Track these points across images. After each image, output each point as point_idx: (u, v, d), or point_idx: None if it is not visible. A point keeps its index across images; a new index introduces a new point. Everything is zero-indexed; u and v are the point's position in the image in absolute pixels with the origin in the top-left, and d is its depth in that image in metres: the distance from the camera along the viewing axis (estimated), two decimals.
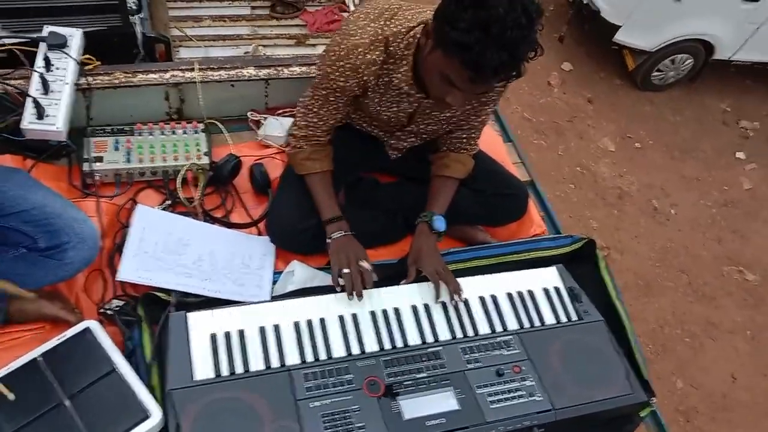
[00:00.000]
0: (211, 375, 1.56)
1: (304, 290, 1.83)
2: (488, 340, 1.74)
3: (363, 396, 1.57)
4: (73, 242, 1.64)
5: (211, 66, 2.21)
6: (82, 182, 2.01)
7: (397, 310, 1.77)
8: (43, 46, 2.02)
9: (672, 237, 4.39)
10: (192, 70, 2.17)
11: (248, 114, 2.33)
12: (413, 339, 1.72)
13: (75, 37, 2.07)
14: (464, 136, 1.98)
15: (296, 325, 1.69)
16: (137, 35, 2.24)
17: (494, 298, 1.84)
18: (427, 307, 1.79)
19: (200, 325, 1.63)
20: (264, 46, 2.65)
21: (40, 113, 1.89)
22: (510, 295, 1.86)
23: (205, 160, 2.09)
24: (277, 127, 2.27)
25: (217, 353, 1.59)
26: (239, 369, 1.58)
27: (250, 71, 2.25)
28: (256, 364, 1.60)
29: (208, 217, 2.04)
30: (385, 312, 1.76)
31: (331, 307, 1.75)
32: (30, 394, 1.50)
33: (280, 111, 2.34)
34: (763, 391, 3.74)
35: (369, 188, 2.15)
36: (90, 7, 2.18)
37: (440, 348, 1.70)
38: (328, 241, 1.85)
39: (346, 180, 2.07)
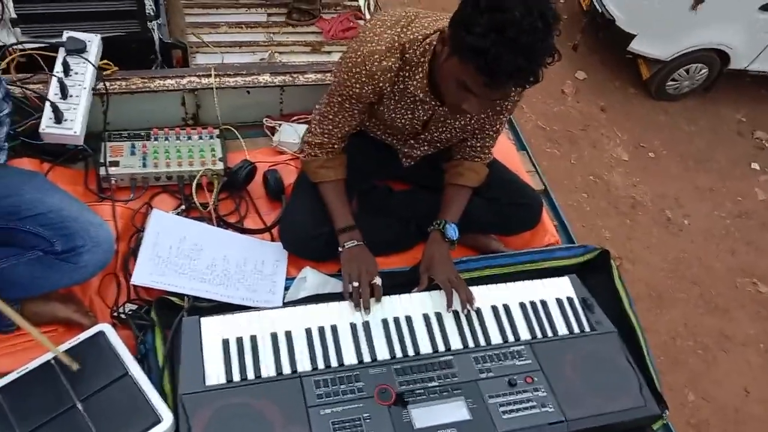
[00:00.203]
0: (223, 380, 1.56)
1: (316, 297, 1.83)
2: (500, 350, 1.73)
3: (374, 404, 1.57)
4: (88, 246, 1.65)
5: (228, 72, 2.23)
6: (98, 186, 2.03)
7: (408, 319, 1.77)
8: (62, 51, 2.05)
9: (685, 248, 4.36)
10: (209, 76, 2.18)
11: (263, 120, 2.34)
12: (425, 347, 1.72)
13: (93, 42, 2.10)
14: (478, 144, 1.98)
15: (308, 331, 1.69)
16: (155, 41, 2.26)
17: (507, 308, 1.84)
18: (438, 315, 1.79)
19: (213, 330, 1.64)
20: (280, 53, 2.66)
21: (58, 117, 1.92)
22: (523, 305, 1.86)
23: (220, 166, 2.10)
24: (291, 134, 2.28)
25: (229, 359, 1.60)
26: (251, 375, 1.58)
27: (265, 78, 2.26)
28: (268, 370, 1.60)
29: (222, 223, 2.05)
30: (396, 320, 1.76)
31: (343, 314, 1.75)
32: (43, 397, 1.51)
33: (295, 118, 2.35)
34: None
35: (382, 196, 2.15)
36: (109, 13, 2.21)
37: (452, 357, 1.70)
38: (340, 250, 1.85)
39: (359, 188, 2.07)
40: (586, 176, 4.62)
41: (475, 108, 1.62)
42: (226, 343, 1.62)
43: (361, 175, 2.01)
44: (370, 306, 1.75)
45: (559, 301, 1.88)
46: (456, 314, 1.79)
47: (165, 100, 2.21)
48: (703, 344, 3.88)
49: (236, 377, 1.57)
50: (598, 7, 5.00)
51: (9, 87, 1.70)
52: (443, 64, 1.59)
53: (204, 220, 2.02)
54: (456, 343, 1.74)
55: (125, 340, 1.64)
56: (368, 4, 2.91)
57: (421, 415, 1.57)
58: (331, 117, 1.85)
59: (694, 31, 4.78)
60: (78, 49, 2.05)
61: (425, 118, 1.86)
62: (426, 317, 1.78)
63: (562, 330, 1.83)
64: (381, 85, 1.73)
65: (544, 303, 1.87)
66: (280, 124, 2.32)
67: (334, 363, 1.64)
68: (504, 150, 2.33)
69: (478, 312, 1.81)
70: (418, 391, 1.61)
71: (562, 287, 1.93)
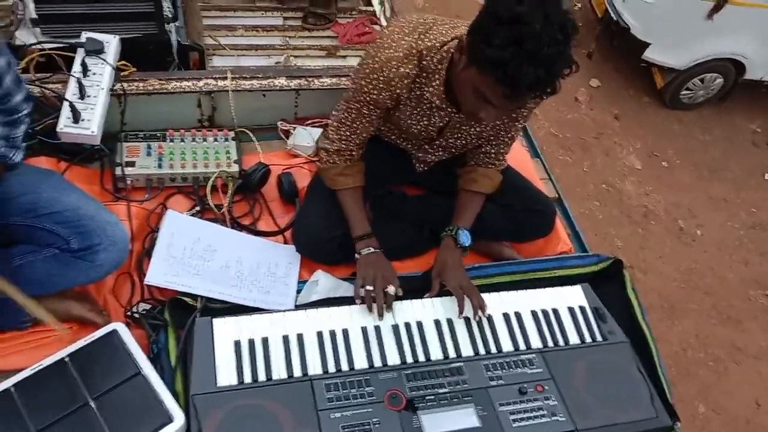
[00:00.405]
0: (234, 381, 1.57)
1: (327, 300, 1.83)
2: (511, 358, 1.73)
3: (384, 409, 1.58)
4: (104, 245, 1.66)
5: (244, 75, 2.24)
6: (113, 186, 2.04)
7: (420, 324, 1.77)
8: (80, 52, 2.07)
9: (697, 258, 4.33)
10: (225, 78, 2.20)
11: (278, 123, 2.35)
12: (435, 354, 1.72)
13: (112, 43, 2.11)
14: (493, 151, 1.98)
15: (319, 335, 1.70)
16: (172, 43, 2.28)
17: (518, 315, 1.84)
18: (450, 321, 1.79)
19: (225, 331, 1.65)
20: (295, 56, 2.67)
21: (76, 117, 1.93)
22: (534, 313, 1.86)
23: (235, 168, 2.11)
24: (306, 137, 2.29)
25: (241, 360, 1.61)
26: (262, 377, 1.59)
27: (281, 81, 2.27)
28: (279, 372, 1.61)
29: (236, 224, 2.05)
30: (407, 325, 1.76)
31: (355, 318, 1.76)
32: (57, 394, 1.52)
33: (310, 121, 2.36)
34: None
35: (396, 201, 2.15)
36: (127, 14, 2.22)
37: (462, 364, 1.70)
38: (357, 257, 1.86)
39: (373, 192, 2.07)
40: (599, 184, 4.60)
41: (492, 117, 1.62)
42: (237, 345, 1.63)
43: (375, 179, 2.01)
44: (383, 312, 1.75)
45: (571, 310, 1.88)
46: (467, 321, 1.79)
47: (181, 102, 2.22)
48: (715, 355, 3.85)
49: (247, 379, 1.58)
50: (612, 15, 4.99)
51: (28, 86, 1.71)
52: (461, 73, 1.59)
53: (218, 221, 2.02)
54: (467, 350, 1.74)
55: (138, 340, 1.65)
56: (383, 9, 2.91)
57: (431, 421, 1.57)
58: (348, 123, 1.85)
59: (709, 41, 4.76)
60: (96, 49, 2.07)
61: (441, 124, 1.86)
62: (437, 323, 1.78)
63: (573, 339, 1.82)
64: (398, 91, 1.74)
65: (555, 311, 1.87)
66: (294, 128, 2.33)
67: (344, 367, 1.65)
68: (518, 157, 2.33)
69: (490, 319, 1.81)
70: (428, 397, 1.61)
71: (574, 296, 1.92)
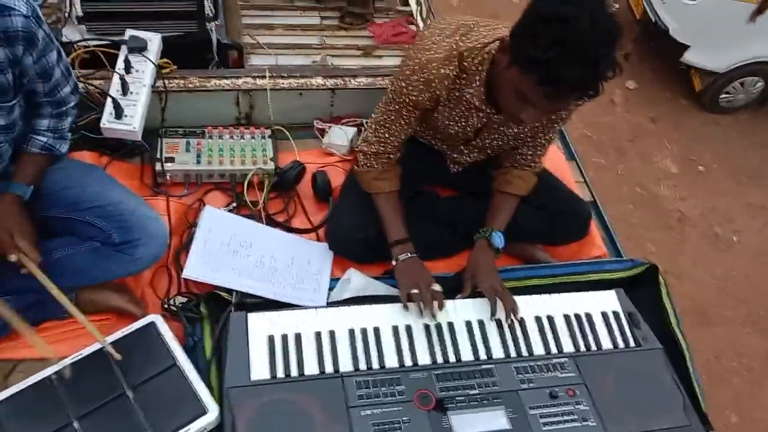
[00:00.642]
0: (267, 376, 1.59)
1: (359, 298, 1.84)
2: (543, 361, 1.72)
3: (413, 408, 1.58)
4: (144, 239, 1.70)
5: (282, 74, 2.27)
6: (153, 181, 2.09)
7: (450, 325, 1.77)
8: (124, 49, 2.12)
9: (733, 265, 4.24)
10: (263, 77, 2.23)
11: (314, 122, 2.37)
12: (466, 355, 1.72)
13: (154, 41, 2.16)
14: (530, 153, 1.97)
15: (351, 332, 1.71)
16: (212, 42, 2.31)
17: (551, 319, 1.83)
18: (481, 323, 1.79)
19: (259, 326, 1.68)
20: (331, 55, 2.69)
21: (119, 113, 1.98)
22: (567, 317, 1.84)
23: (271, 166, 2.14)
24: (341, 136, 2.31)
25: (274, 355, 1.63)
26: (294, 372, 1.61)
27: (318, 80, 2.29)
28: (311, 368, 1.63)
29: (271, 221, 2.08)
30: (438, 326, 1.77)
31: (386, 316, 1.77)
32: (95, 383, 1.56)
33: (345, 120, 2.38)
34: None
35: (429, 201, 2.16)
36: (170, 13, 2.26)
37: (493, 366, 1.70)
38: (393, 263, 1.86)
39: (407, 192, 2.08)
40: (633, 188, 4.54)
41: (533, 118, 1.62)
42: (271, 340, 1.65)
43: (409, 179, 2.01)
44: (435, 311, 1.76)
45: (604, 315, 1.86)
46: (499, 323, 1.79)
47: (220, 100, 2.26)
48: (749, 365, 3.77)
49: (280, 373, 1.60)
50: (651, 16, 4.90)
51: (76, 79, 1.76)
52: (503, 73, 1.58)
53: (253, 217, 2.05)
54: (498, 352, 1.74)
55: (174, 332, 1.68)
56: (420, 9, 2.91)
57: (461, 421, 1.57)
58: (387, 125, 1.85)
59: (750, 44, 4.65)
60: (139, 47, 2.12)
61: (479, 125, 1.86)
62: (468, 324, 1.78)
63: (606, 344, 1.81)
64: (438, 92, 1.74)
65: (589, 316, 1.85)
66: (329, 126, 2.35)
67: (375, 365, 1.66)
68: (553, 159, 2.31)
69: (522, 322, 1.80)
70: (458, 398, 1.62)
71: (608, 301, 1.90)
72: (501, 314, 1.79)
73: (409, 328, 1.75)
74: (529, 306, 1.84)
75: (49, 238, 1.72)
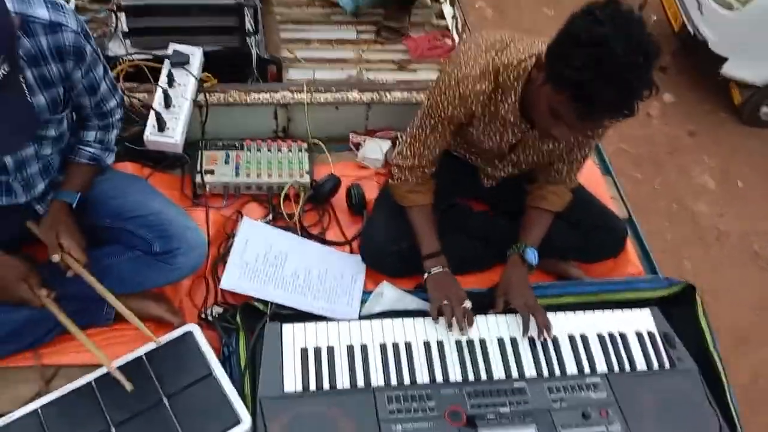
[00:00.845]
0: (299, 388, 1.62)
1: (391, 312, 1.86)
2: (575, 381, 1.71)
3: (444, 424, 1.58)
4: (183, 249, 1.74)
5: (319, 88, 2.30)
6: (193, 192, 2.13)
7: (482, 341, 1.77)
8: (167, 63, 2.17)
9: None
10: (301, 91, 2.26)
11: (349, 135, 2.40)
12: (498, 372, 1.72)
13: (196, 55, 2.21)
14: (565, 168, 1.96)
15: (383, 346, 1.73)
16: (252, 56, 2.36)
17: (584, 338, 1.81)
18: (513, 340, 1.79)
19: (292, 338, 1.70)
20: (367, 69, 2.72)
21: (161, 126, 2.03)
22: (601, 336, 1.83)
23: (307, 179, 2.17)
24: (375, 150, 2.33)
25: (307, 367, 1.65)
26: (326, 384, 1.63)
27: (354, 95, 2.32)
28: (343, 381, 1.64)
29: (306, 233, 2.11)
30: (470, 342, 1.77)
31: (418, 331, 1.78)
32: (134, 390, 1.59)
33: (379, 133, 2.40)
34: None
35: (462, 215, 2.16)
36: (211, 28, 2.31)
37: (525, 384, 1.69)
38: (425, 276, 1.87)
39: (440, 206, 2.09)
40: (670, 203, 4.46)
41: (566, 135, 1.62)
42: (304, 352, 1.67)
43: (442, 192, 2.02)
44: (464, 326, 1.76)
45: (638, 335, 1.84)
46: (531, 341, 1.78)
47: (258, 113, 2.30)
48: None
49: (312, 386, 1.62)
50: (690, 28, 4.84)
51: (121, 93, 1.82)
52: (538, 90, 1.59)
53: (289, 229, 2.09)
54: (530, 370, 1.73)
55: (210, 341, 1.71)
56: (456, 23, 2.92)
57: None
58: (422, 139, 1.87)
59: None
60: (182, 61, 2.17)
61: (514, 141, 1.86)
62: (500, 341, 1.78)
63: (640, 364, 1.79)
64: (473, 108, 1.75)
65: (623, 335, 1.83)
66: (365, 140, 2.38)
67: (406, 380, 1.67)
68: (588, 174, 2.29)
69: (555, 340, 1.79)
70: (489, 416, 1.61)
71: (642, 320, 1.88)
72: (534, 332, 1.78)
73: (440, 344, 1.75)
74: (563, 324, 1.83)
75: (99, 247, 1.77)
